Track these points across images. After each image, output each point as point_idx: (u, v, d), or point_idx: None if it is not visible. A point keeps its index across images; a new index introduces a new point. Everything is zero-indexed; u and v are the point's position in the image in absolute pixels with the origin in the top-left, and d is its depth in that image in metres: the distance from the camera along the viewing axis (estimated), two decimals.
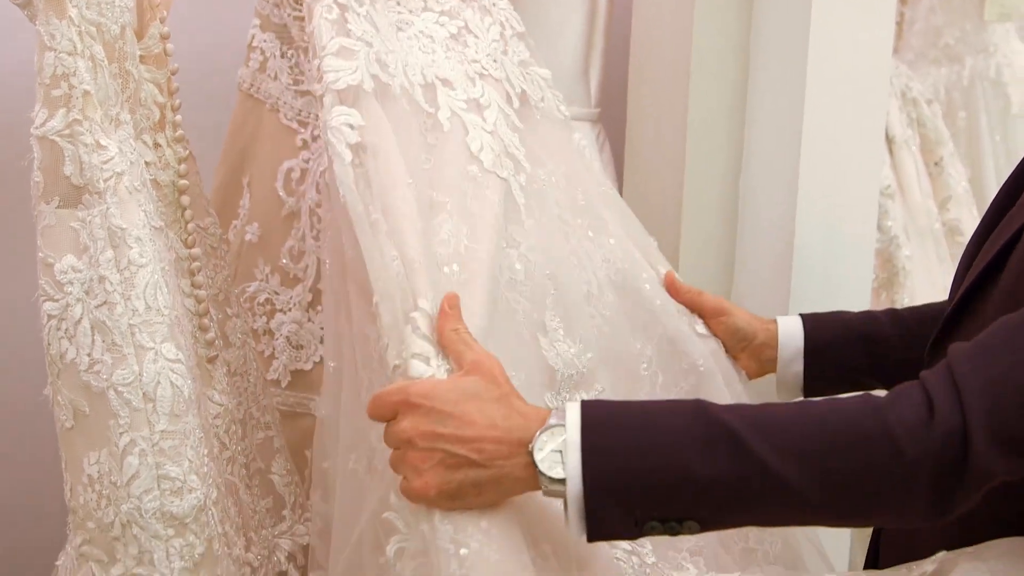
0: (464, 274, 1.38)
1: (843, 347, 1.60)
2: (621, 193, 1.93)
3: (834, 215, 1.87)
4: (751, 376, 1.63)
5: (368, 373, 1.30)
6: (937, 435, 1.03)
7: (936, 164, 2.58)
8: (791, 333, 1.60)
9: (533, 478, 1.10)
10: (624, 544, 1.39)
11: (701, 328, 1.62)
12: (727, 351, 1.62)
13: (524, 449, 1.11)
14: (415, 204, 1.35)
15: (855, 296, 1.73)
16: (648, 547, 1.43)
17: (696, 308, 1.62)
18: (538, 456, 1.09)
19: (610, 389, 1.51)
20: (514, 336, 1.44)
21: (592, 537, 1.10)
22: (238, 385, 1.52)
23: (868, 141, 1.89)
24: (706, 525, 1.10)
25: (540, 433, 1.10)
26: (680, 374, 1.58)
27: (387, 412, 1.16)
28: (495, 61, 1.58)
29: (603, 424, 1.10)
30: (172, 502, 1.28)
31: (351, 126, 1.36)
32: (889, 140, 2.41)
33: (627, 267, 1.59)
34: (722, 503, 1.08)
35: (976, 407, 1.03)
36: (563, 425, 1.10)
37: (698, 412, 1.09)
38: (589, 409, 1.11)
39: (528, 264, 1.48)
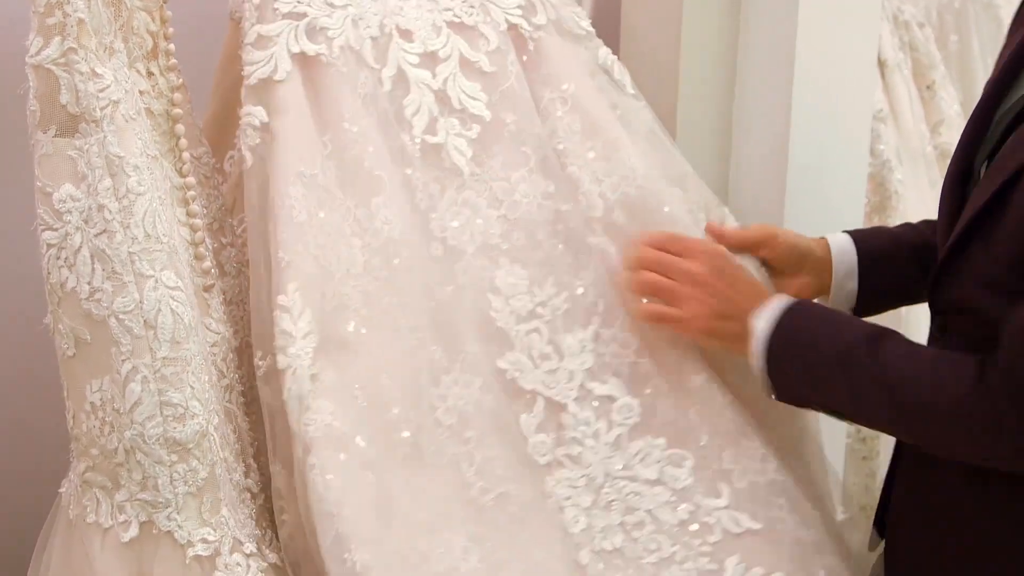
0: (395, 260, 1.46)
1: (894, 259, 1.61)
2: None
3: (827, 139, 1.87)
4: (809, 295, 1.61)
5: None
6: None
7: (928, 88, 2.57)
8: (844, 248, 1.60)
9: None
10: (647, 474, 1.55)
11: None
12: (783, 273, 1.62)
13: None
14: (303, 200, 1.41)
15: (848, 219, 1.73)
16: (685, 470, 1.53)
17: (747, 244, 1.62)
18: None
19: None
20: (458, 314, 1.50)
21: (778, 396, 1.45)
22: (234, 314, 1.52)
23: (860, 65, 1.89)
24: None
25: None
26: None
27: (679, 249, 1.52)
28: (474, 7, 1.59)
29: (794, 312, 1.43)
30: (175, 428, 1.29)
31: (254, 127, 1.42)
32: (881, 64, 2.40)
33: (641, 186, 1.61)
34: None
35: None
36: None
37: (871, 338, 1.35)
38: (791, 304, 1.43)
39: (459, 232, 1.52)
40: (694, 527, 1.52)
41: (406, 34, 1.53)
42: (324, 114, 1.45)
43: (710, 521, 1.52)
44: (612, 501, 1.51)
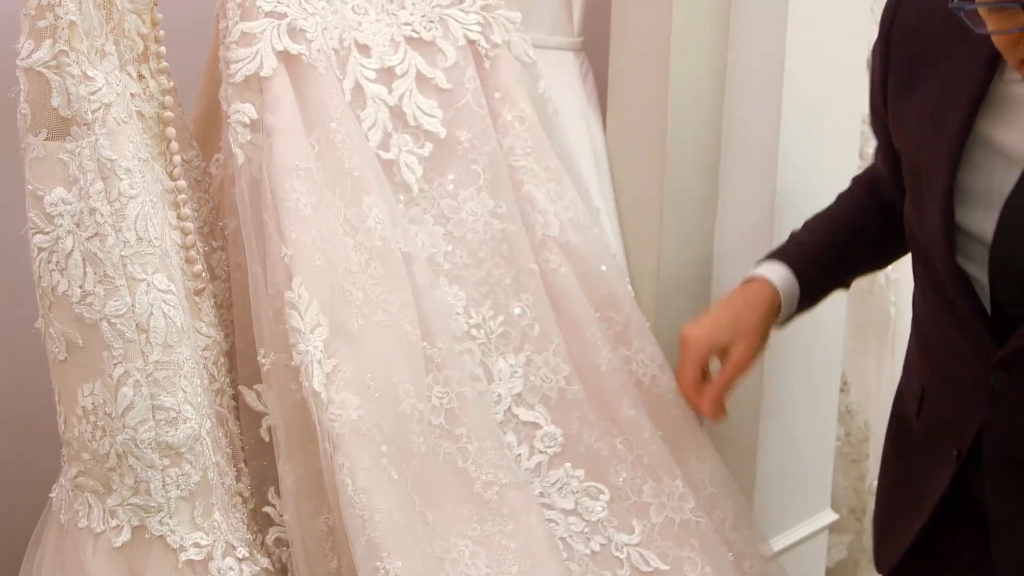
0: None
1: (832, 270, 1.64)
2: (604, 123, 1.93)
3: (817, 143, 1.87)
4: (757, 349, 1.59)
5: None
6: None
7: None
8: (790, 293, 1.59)
9: None
10: (564, 504, 1.54)
11: None
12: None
13: None
14: (307, 194, 1.41)
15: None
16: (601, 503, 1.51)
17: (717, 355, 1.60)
18: None
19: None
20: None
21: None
22: (224, 318, 1.52)
23: (850, 67, 1.89)
24: None
25: None
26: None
27: None
28: (433, 21, 1.59)
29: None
30: (167, 432, 1.29)
31: (244, 123, 1.42)
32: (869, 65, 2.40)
33: (581, 211, 1.65)
34: None
35: None
36: None
37: None
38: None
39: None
40: (604, 560, 1.55)
41: (364, 49, 1.54)
42: (310, 114, 1.46)
43: (620, 556, 1.55)
44: None
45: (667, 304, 1.87)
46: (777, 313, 1.58)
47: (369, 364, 1.40)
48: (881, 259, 1.70)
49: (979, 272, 1.31)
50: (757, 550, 1.67)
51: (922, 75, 1.34)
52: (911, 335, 1.50)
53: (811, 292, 1.60)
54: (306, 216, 1.40)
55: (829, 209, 1.66)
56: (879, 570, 1.56)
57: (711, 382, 1.55)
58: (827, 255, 1.62)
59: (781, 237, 1.66)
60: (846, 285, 1.67)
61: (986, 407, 1.36)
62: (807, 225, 1.65)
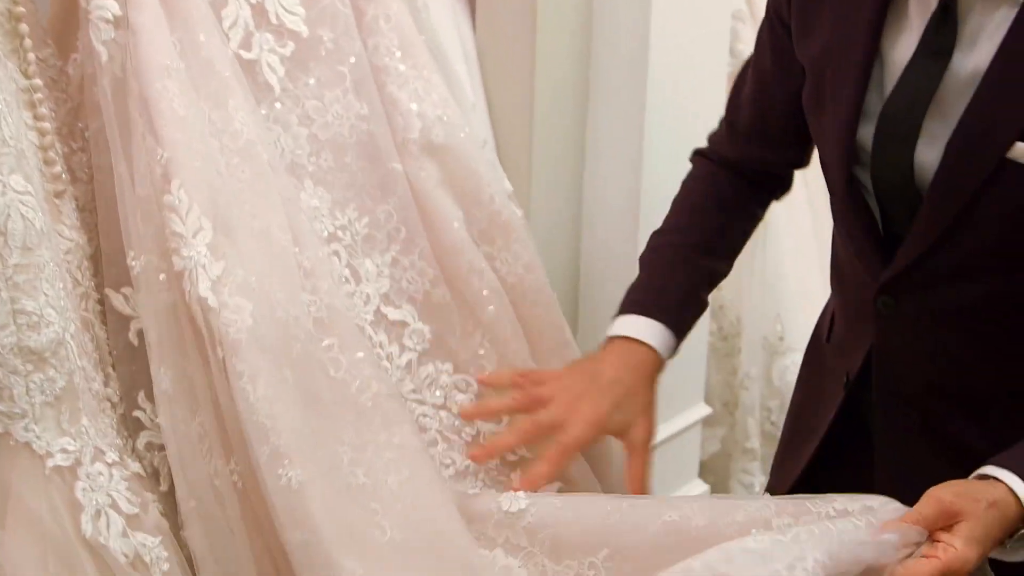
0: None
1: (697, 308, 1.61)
2: (475, 33, 1.92)
3: (687, 38, 1.88)
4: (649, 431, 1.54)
5: None
6: None
7: None
8: (668, 347, 1.55)
9: None
10: (435, 399, 1.58)
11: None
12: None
13: None
14: (180, 95, 1.37)
15: (706, 119, 1.74)
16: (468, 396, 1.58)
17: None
18: None
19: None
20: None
21: None
22: (88, 221, 1.48)
23: None
24: None
25: None
26: None
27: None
28: None
29: None
30: (29, 337, 1.26)
31: (107, 20, 1.37)
32: None
33: (451, 108, 1.62)
34: None
35: None
36: None
37: None
38: None
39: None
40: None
41: None
42: (172, 12, 1.41)
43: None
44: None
45: (539, 198, 1.87)
46: (659, 373, 1.54)
47: (251, 268, 1.38)
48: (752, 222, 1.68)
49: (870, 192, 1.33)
50: None
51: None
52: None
53: (683, 335, 1.58)
54: (181, 116, 1.37)
55: (684, 211, 1.65)
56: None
57: (633, 476, 1.49)
58: (693, 293, 1.60)
59: (653, 128, 1.67)
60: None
61: (874, 332, 1.39)
62: (664, 251, 1.62)
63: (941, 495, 1.17)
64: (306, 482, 1.33)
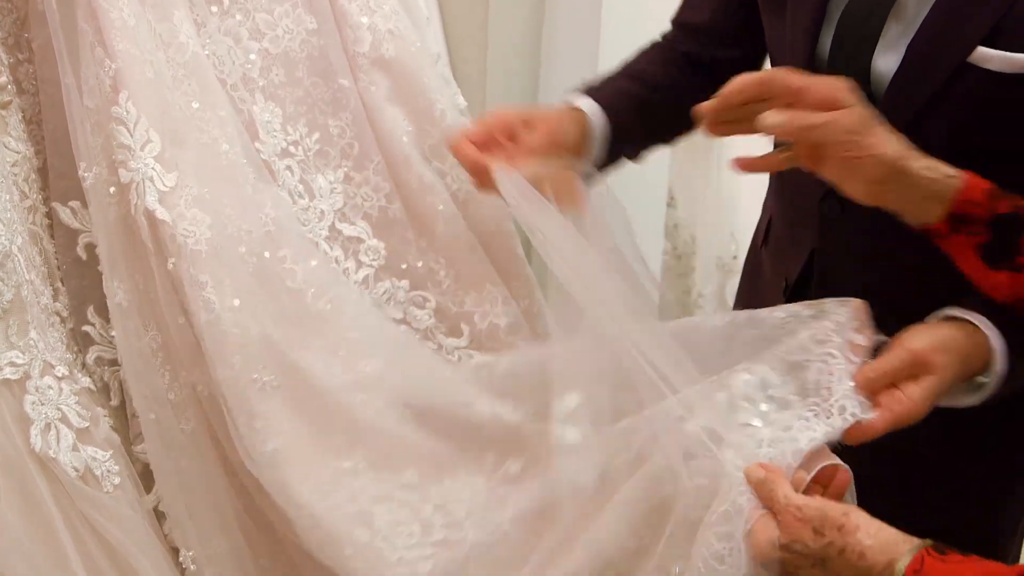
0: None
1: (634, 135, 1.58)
2: None
3: None
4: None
5: None
6: None
7: None
8: (600, 128, 1.51)
9: None
10: (394, 314, 1.58)
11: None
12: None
13: None
14: (129, 4, 1.35)
15: (662, 22, 1.71)
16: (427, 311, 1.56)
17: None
18: None
19: None
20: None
21: None
22: (35, 134, 1.46)
23: None
24: None
25: None
26: None
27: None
28: None
29: None
30: None
31: None
32: None
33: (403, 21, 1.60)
34: None
35: None
36: None
37: None
38: None
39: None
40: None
41: None
42: None
43: (451, 359, 1.58)
44: None
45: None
46: (586, 135, 1.50)
47: (200, 180, 1.37)
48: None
49: None
50: None
51: None
52: None
53: (618, 136, 1.53)
54: (132, 27, 1.35)
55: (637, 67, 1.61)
56: None
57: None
58: (638, 110, 1.56)
59: (608, 38, 1.66)
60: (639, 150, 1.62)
61: (816, 236, 1.39)
62: (614, 77, 1.59)
63: (913, 346, 1.19)
64: (281, 387, 1.35)
